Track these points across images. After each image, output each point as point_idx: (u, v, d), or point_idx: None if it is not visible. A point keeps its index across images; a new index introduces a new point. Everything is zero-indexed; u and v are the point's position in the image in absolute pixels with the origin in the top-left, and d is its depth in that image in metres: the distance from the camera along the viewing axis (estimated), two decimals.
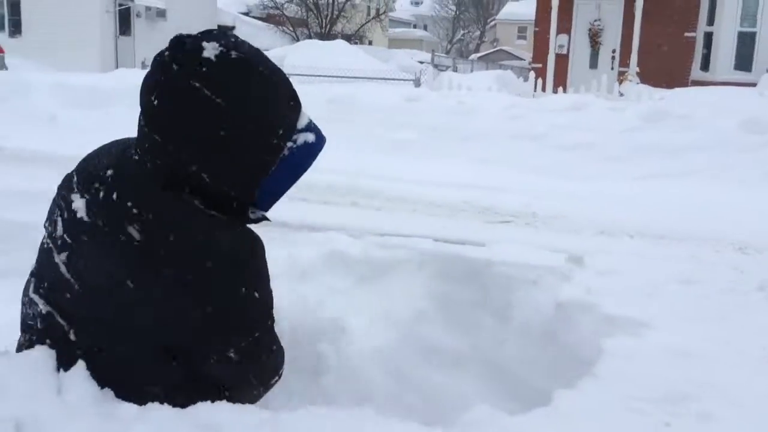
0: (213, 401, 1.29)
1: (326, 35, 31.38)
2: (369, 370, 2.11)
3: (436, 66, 22.87)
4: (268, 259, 1.36)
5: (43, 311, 1.35)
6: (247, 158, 1.28)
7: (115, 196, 1.28)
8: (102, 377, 1.28)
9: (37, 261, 1.41)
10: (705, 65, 15.34)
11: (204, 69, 1.23)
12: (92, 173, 1.34)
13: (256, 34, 30.43)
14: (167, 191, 1.27)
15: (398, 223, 5.24)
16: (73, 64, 16.29)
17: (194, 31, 1.30)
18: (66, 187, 1.38)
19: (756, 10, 14.63)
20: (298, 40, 28.26)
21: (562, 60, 16.15)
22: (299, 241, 2.81)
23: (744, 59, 14.63)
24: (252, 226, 1.37)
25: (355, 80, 13.55)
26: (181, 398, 1.29)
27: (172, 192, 1.27)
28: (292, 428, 1.22)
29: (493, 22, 50.24)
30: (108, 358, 1.28)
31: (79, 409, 1.16)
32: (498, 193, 6.36)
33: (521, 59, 30.89)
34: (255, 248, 1.33)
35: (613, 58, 16.15)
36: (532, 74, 14.18)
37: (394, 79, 15.02)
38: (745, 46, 14.67)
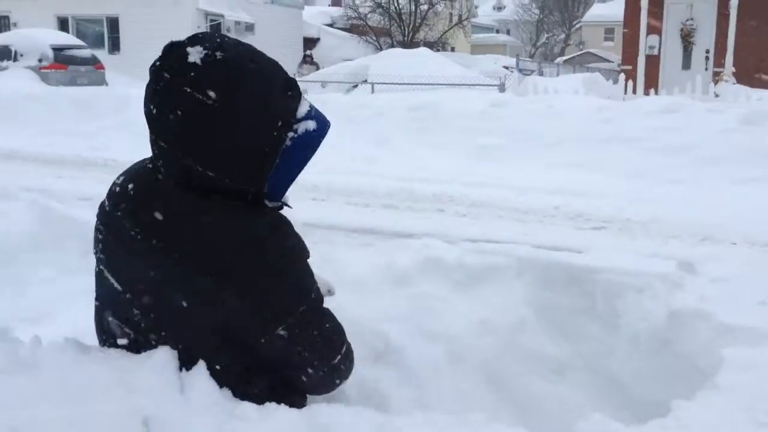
0: (288, 388, 1.33)
1: (409, 43, 31.53)
2: (470, 377, 2.09)
3: (521, 70, 22.58)
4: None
5: (113, 328, 1.41)
6: (250, 153, 1.31)
7: (140, 208, 1.35)
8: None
9: (96, 285, 1.47)
10: None
11: (192, 74, 1.27)
12: (118, 193, 1.41)
13: (340, 45, 30.99)
14: (186, 193, 1.32)
15: (485, 229, 5.19)
16: None
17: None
18: (101, 214, 1.44)
19: None
20: (381, 49, 28.47)
21: (653, 61, 15.67)
22: (394, 247, 2.81)
23: None
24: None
25: (439, 87, 13.53)
26: (254, 387, 1.33)
27: (191, 193, 1.32)
28: None
29: (578, 25, 49.20)
30: (181, 360, 1.33)
31: (203, 408, 1.20)
32: (589, 198, 6.21)
33: (609, 61, 30.08)
34: (281, 226, 1.36)
35: (707, 58, 15.55)
36: (622, 76, 13.80)
37: (478, 85, 14.91)
38: None
